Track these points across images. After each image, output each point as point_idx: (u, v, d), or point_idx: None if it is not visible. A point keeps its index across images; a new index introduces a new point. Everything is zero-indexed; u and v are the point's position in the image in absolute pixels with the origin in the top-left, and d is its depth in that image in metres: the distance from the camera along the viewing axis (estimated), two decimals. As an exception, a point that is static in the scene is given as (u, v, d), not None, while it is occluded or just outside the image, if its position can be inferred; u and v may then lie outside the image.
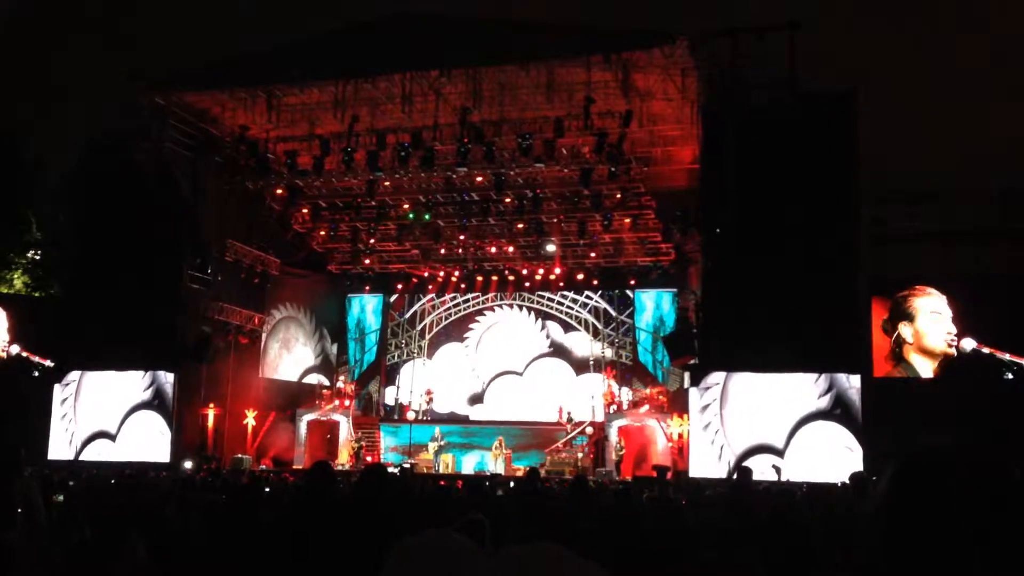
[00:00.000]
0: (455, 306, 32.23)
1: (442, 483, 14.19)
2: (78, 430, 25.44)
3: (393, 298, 32.66)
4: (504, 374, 31.14)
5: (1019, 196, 24.24)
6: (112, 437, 25.07)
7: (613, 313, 30.43)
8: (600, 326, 30.54)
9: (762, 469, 18.30)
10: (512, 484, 15.26)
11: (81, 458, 24.68)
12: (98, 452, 24.86)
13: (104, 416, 25.24)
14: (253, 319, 28.59)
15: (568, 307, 30.95)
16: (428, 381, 31.30)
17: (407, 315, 32.53)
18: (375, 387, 32.22)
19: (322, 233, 29.81)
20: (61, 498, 8.33)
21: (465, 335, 31.96)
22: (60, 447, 25.29)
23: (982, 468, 1.54)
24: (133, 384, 25.20)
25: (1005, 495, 1.51)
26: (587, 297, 30.67)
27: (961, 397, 22.38)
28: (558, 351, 30.92)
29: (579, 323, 30.83)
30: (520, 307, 31.45)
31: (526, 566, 2.04)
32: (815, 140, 21.09)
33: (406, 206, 27.95)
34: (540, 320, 31.27)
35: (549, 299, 31.09)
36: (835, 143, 21.23)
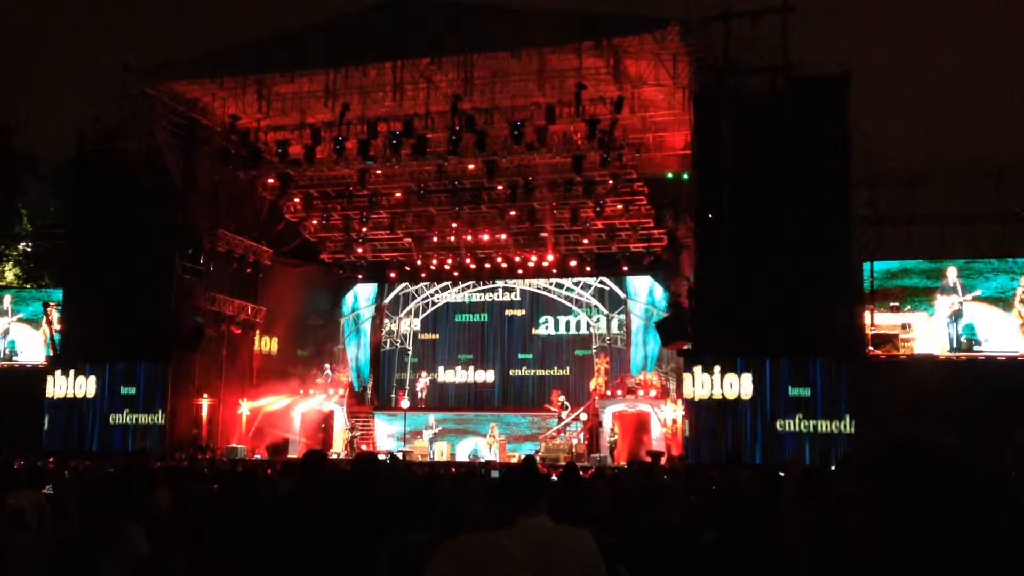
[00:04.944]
0: (449, 291, 32.19)
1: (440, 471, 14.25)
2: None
3: (388, 299, 32.58)
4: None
5: (1012, 177, 24.28)
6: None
7: (603, 309, 30.38)
8: (589, 316, 30.55)
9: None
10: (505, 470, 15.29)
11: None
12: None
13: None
14: (246, 309, 28.55)
15: (566, 293, 30.91)
16: (424, 369, 31.38)
17: (406, 311, 32.44)
18: (369, 376, 32.21)
19: (314, 222, 29.75)
20: (50, 489, 8.32)
21: (461, 323, 31.98)
22: (58, 438, 25.28)
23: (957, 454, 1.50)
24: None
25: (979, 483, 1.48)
26: (583, 287, 30.64)
27: (959, 379, 22.57)
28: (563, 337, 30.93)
29: (575, 309, 30.82)
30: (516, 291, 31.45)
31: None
32: (808, 124, 21.07)
33: (398, 194, 27.93)
34: (541, 306, 31.27)
35: (545, 288, 31.06)
36: (828, 126, 21.24)
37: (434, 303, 32.30)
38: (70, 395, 25.49)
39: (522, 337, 31.13)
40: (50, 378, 25.75)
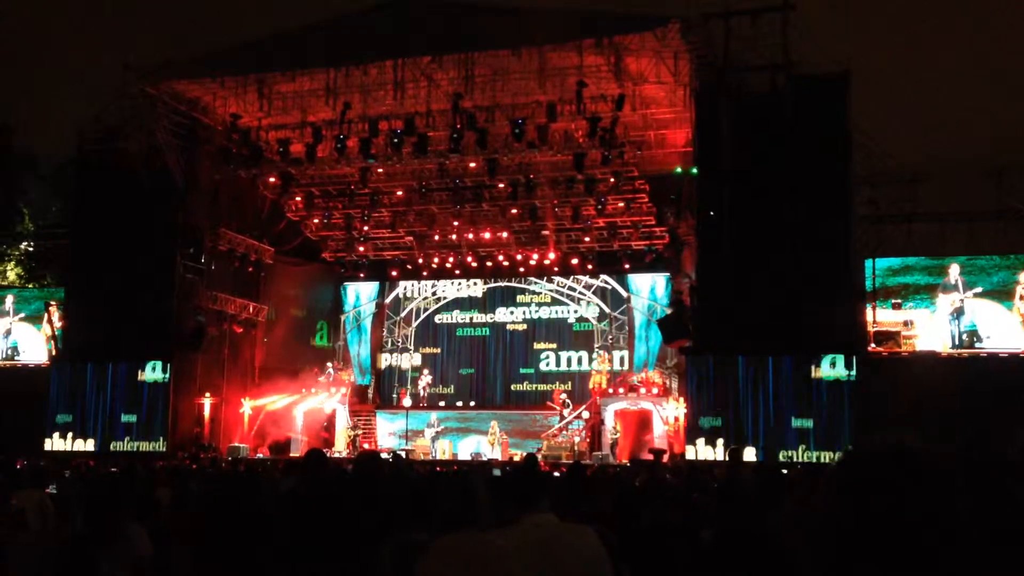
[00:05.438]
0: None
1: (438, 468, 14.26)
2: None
3: (390, 297, 32.50)
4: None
5: (1013, 177, 24.24)
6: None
7: (606, 310, 30.30)
8: (594, 316, 30.50)
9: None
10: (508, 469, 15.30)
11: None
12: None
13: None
14: (248, 308, 28.55)
15: (567, 293, 30.82)
16: (426, 366, 31.32)
17: (408, 309, 32.34)
18: (372, 374, 32.18)
19: (316, 221, 29.75)
20: (53, 488, 8.33)
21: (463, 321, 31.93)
22: (59, 437, 25.29)
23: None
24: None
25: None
26: (585, 287, 30.56)
27: (961, 376, 22.55)
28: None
29: (576, 309, 30.73)
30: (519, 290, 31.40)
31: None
32: (809, 122, 21.05)
33: (399, 193, 27.92)
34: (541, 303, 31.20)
35: (547, 286, 30.99)
36: (829, 125, 21.22)
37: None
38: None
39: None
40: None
